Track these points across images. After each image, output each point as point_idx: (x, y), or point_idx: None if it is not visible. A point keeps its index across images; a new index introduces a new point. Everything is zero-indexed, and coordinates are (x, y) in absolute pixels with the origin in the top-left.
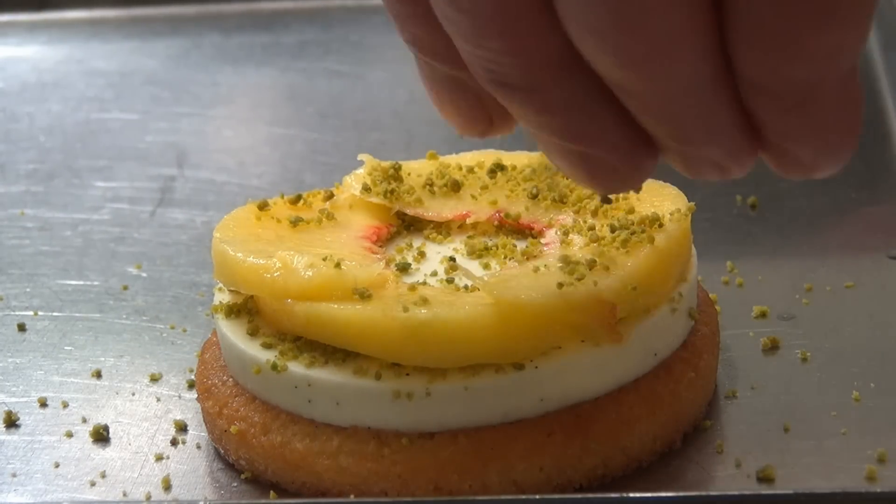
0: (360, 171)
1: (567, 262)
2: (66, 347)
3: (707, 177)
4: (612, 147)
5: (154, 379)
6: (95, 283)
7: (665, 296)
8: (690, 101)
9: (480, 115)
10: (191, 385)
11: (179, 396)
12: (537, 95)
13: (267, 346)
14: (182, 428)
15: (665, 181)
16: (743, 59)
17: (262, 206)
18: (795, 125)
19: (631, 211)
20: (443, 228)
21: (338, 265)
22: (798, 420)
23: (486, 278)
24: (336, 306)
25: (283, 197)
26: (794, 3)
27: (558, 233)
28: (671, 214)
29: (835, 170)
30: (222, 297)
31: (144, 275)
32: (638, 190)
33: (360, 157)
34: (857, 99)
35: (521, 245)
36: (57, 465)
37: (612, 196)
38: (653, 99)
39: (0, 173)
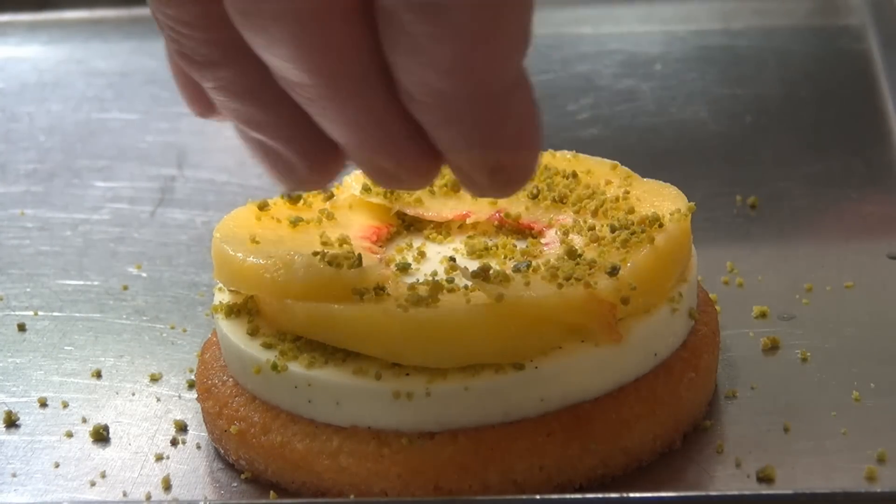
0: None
1: (567, 263)
2: (66, 347)
3: (386, 186)
4: (287, 142)
5: (154, 379)
6: (95, 283)
7: (665, 296)
8: (348, 99)
9: (201, 94)
10: (191, 385)
11: (179, 396)
12: (211, 72)
13: (267, 346)
14: (182, 428)
15: (665, 181)
16: (392, 65)
17: (262, 206)
18: (454, 140)
19: (631, 211)
20: (443, 228)
21: (338, 265)
22: (798, 420)
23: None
24: (336, 306)
25: (283, 197)
26: (435, 14)
27: (558, 233)
28: (671, 214)
29: (510, 192)
30: (222, 297)
31: (144, 275)
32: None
33: None
34: (523, 117)
35: (521, 245)
36: (57, 465)
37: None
38: (310, 94)
39: (0, 173)
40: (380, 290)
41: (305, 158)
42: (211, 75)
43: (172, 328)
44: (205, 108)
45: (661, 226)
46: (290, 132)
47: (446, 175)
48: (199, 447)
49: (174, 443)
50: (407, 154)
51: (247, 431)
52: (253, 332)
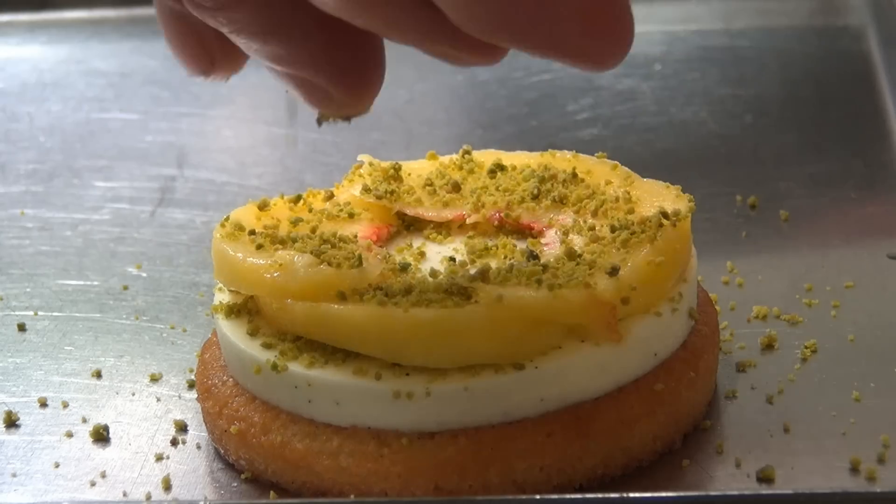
0: (360, 170)
1: (567, 263)
2: (66, 347)
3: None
4: (317, 71)
5: (154, 379)
6: (95, 283)
7: (665, 296)
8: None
9: (202, 53)
10: (191, 385)
11: (179, 396)
12: (225, 14)
13: (267, 346)
14: (182, 428)
15: (665, 181)
16: None
17: (262, 206)
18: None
19: (631, 211)
20: (443, 228)
21: (338, 265)
22: (798, 420)
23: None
24: (336, 306)
25: (283, 197)
26: None
27: (558, 233)
28: (671, 214)
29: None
30: (222, 297)
31: (144, 275)
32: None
33: (360, 157)
34: None
35: (521, 245)
36: (57, 465)
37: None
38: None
39: (0, 173)
40: (380, 290)
41: (339, 83)
42: (225, 17)
43: (172, 328)
44: (206, 65)
45: (661, 226)
46: (318, 61)
47: (446, 175)
48: (199, 447)
49: (174, 443)
50: (465, 39)
51: (247, 431)
52: (253, 332)
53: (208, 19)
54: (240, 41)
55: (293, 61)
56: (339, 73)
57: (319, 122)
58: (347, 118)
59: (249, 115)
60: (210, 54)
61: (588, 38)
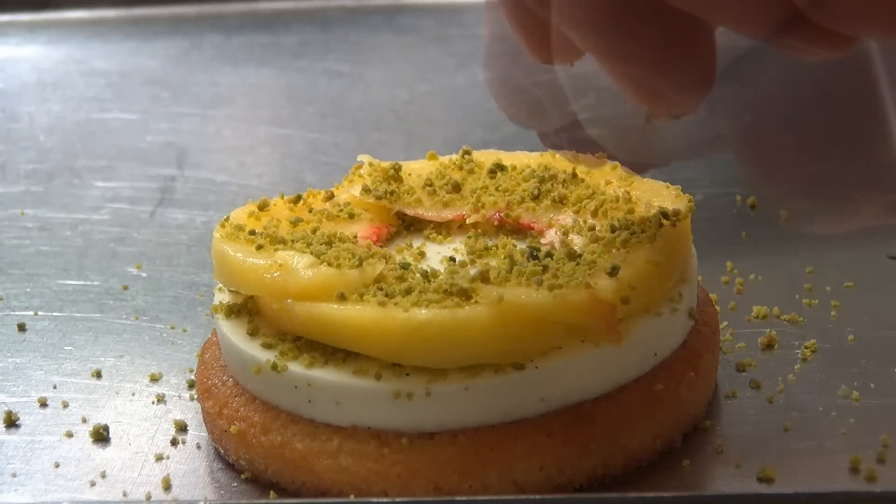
0: (360, 171)
1: (567, 263)
2: (66, 347)
3: None
4: (652, 68)
5: (154, 379)
6: (95, 283)
7: (665, 296)
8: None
9: (545, 41)
10: (191, 385)
11: (179, 396)
12: (561, 9)
13: (267, 346)
14: (182, 428)
15: (665, 181)
16: None
17: (262, 206)
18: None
19: (631, 211)
20: (443, 228)
21: (338, 265)
22: (798, 420)
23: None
24: (336, 306)
25: (282, 197)
26: None
27: (558, 233)
28: (671, 214)
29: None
30: (222, 297)
31: (144, 275)
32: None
33: (360, 157)
34: None
35: (521, 245)
36: (57, 465)
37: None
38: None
39: (0, 173)
40: (380, 290)
41: (671, 80)
42: (562, 11)
43: (172, 328)
44: (548, 54)
45: (661, 226)
46: (650, 57)
47: (446, 175)
48: (199, 447)
49: (174, 443)
50: (816, 33)
51: (247, 431)
52: (253, 332)
53: (543, 11)
54: (574, 34)
55: (626, 56)
56: (671, 69)
57: (648, 120)
58: (676, 116)
59: (249, 115)
60: (549, 45)
61: None
